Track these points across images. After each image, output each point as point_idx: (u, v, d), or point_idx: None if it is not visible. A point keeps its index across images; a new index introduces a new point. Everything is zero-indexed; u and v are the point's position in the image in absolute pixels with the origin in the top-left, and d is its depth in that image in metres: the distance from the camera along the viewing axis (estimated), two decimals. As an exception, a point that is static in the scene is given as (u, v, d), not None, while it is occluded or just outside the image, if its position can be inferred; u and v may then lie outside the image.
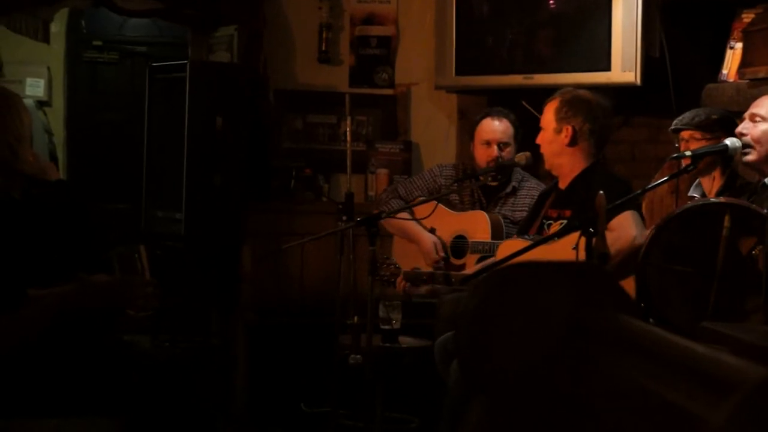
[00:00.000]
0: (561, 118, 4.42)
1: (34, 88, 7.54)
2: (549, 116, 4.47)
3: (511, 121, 5.13)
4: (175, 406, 3.23)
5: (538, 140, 4.54)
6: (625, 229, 4.06)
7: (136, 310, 3.11)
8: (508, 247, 4.32)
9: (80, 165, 7.83)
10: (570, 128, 4.41)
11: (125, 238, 5.44)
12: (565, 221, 4.30)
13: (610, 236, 4.00)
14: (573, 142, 4.42)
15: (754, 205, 3.42)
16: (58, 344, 3.12)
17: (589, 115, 4.41)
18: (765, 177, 3.91)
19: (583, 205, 3.91)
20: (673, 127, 4.49)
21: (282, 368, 5.51)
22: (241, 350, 5.57)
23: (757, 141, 3.91)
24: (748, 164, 3.97)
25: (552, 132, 4.45)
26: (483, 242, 4.86)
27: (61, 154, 7.58)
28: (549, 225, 4.41)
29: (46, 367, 3.11)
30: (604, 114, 4.46)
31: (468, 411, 1.72)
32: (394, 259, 5.04)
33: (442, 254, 4.98)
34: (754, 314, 3.09)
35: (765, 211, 3.30)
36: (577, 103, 4.42)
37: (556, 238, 3.84)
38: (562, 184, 4.51)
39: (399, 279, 4.95)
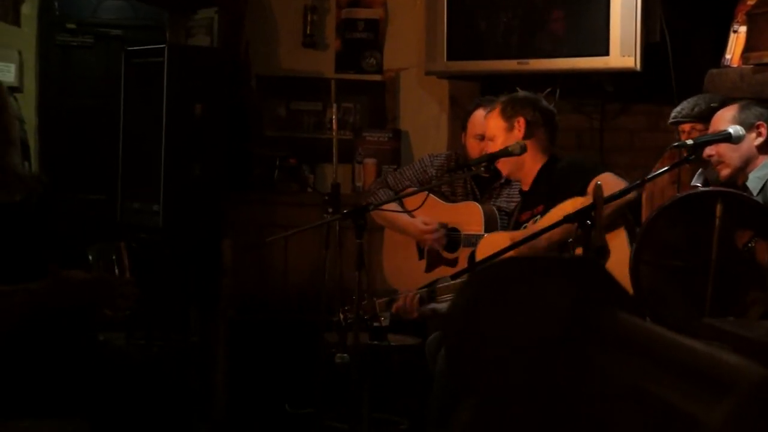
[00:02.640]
0: (509, 116, 4.50)
1: (5, 73, 7.50)
2: (496, 122, 4.55)
3: (504, 111, 5.13)
4: (152, 408, 3.23)
5: (490, 150, 4.54)
6: (610, 185, 4.07)
7: (113, 311, 3.11)
8: (489, 242, 4.43)
9: (53, 153, 7.80)
10: (522, 119, 4.47)
11: (100, 230, 5.45)
12: (540, 216, 4.32)
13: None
14: (528, 134, 4.46)
15: (746, 193, 3.45)
16: (31, 342, 3.13)
17: (534, 106, 4.50)
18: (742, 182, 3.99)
19: (553, 195, 3.98)
20: (672, 120, 4.52)
21: (264, 367, 5.51)
22: (221, 348, 5.57)
23: (723, 155, 3.99)
24: (725, 179, 4.05)
25: (503, 132, 4.51)
26: (476, 235, 4.87)
27: (32, 142, 7.56)
28: (525, 227, 4.41)
29: (18, 366, 3.11)
30: (545, 104, 4.54)
31: (457, 408, 1.73)
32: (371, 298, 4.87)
33: (434, 227, 4.93)
34: (754, 307, 3.11)
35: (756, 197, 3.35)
36: (518, 99, 4.54)
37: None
38: (525, 185, 4.55)
39: (396, 305, 4.86)
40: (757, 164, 3.96)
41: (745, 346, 1.89)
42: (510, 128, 4.51)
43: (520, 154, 4.97)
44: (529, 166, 4.52)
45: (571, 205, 4.04)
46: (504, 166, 4.58)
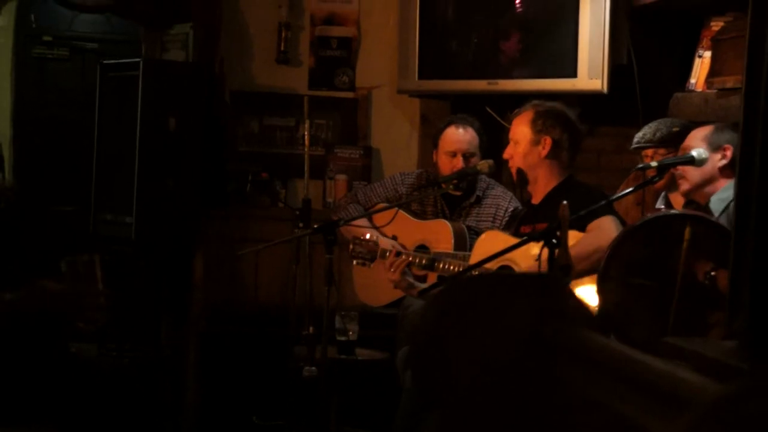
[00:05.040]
0: (539, 130, 4.46)
1: (-20, 84, 7.49)
2: (524, 128, 4.50)
3: (476, 130, 5.14)
4: (123, 417, 3.23)
5: (507, 154, 4.56)
6: (603, 230, 4.11)
7: (85, 322, 3.10)
8: (488, 239, 4.51)
9: (27, 164, 7.77)
10: (549, 139, 4.45)
11: (73, 242, 5.43)
12: None
13: (590, 235, 4.09)
14: (552, 154, 4.46)
15: (713, 217, 3.49)
16: (2, 352, 3.11)
17: (566, 126, 4.47)
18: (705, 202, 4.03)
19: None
20: (635, 146, 4.54)
21: (234, 379, 5.50)
22: (191, 360, 5.56)
23: (685, 171, 4.04)
24: (684, 195, 4.09)
25: (528, 144, 4.47)
26: (445, 253, 4.88)
27: (7, 153, 7.52)
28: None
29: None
30: (577, 125, 4.53)
31: (421, 423, 1.75)
32: (374, 236, 5.01)
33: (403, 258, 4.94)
34: (716, 328, 3.14)
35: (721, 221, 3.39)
36: (553, 115, 4.48)
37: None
38: (536, 199, 4.54)
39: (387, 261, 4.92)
40: (718, 186, 4.00)
41: (704, 365, 1.92)
42: (535, 143, 4.47)
43: (489, 174, 5.01)
44: (543, 182, 4.50)
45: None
46: (514, 167, 4.58)
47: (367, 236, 5.01)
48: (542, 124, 4.46)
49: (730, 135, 4.03)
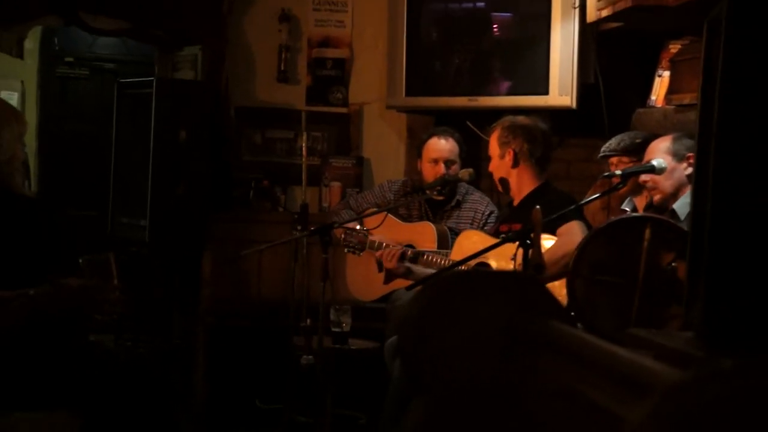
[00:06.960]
0: (503, 144, 4.56)
1: (8, 100, 7.46)
2: (493, 144, 4.62)
3: (456, 140, 5.16)
4: (138, 402, 3.22)
5: (490, 169, 4.66)
6: (571, 235, 4.13)
7: (103, 314, 3.10)
8: (466, 237, 4.58)
9: (51, 173, 7.76)
10: (511, 151, 4.52)
11: (92, 243, 5.42)
12: None
13: (557, 241, 4.11)
14: (516, 164, 4.52)
15: (672, 220, 3.49)
16: (27, 343, 3.11)
17: (527, 137, 4.52)
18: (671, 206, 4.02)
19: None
20: (601, 155, 4.55)
21: (239, 367, 5.49)
22: (200, 350, 5.55)
23: (656, 183, 4.02)
24: (657, 204, 4.08)
25: (497, 158, 4.59)
26: (429, 250, 4.89)
27: (32, 163, 7.51)
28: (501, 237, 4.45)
29: (16, 364, 3.09)
30: (543, 136, 4.56)
31: (409, 408, 1.74)
32: (364, 228, 5.03)
33: (398, 248, 4.96)
34: (674, 321, 3.14)
35: (681, 225, 3.39)
36: (515, 129, 4.55)
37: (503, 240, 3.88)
38: (515, 201, 4.62)
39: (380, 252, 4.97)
40: (686, 191, 3.98)
41: (664, 354, 1.92)
42: (501, 156, 4.57)
43: (469, 182, 5.02)
44: (517, 187, 4.58)
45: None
46: (497, 184, 4.64)
47: (357, 227, 5.05)
48: (504, 137, 4.57)
49: (690, 143, 4.01)
